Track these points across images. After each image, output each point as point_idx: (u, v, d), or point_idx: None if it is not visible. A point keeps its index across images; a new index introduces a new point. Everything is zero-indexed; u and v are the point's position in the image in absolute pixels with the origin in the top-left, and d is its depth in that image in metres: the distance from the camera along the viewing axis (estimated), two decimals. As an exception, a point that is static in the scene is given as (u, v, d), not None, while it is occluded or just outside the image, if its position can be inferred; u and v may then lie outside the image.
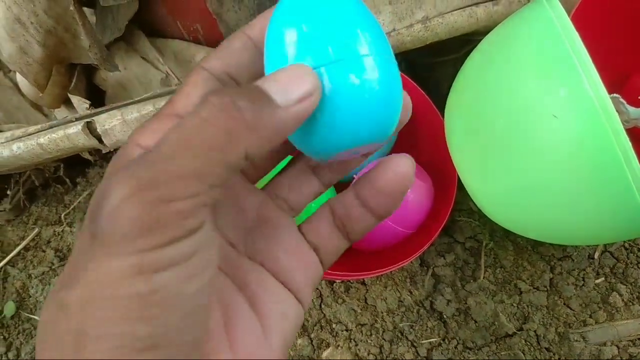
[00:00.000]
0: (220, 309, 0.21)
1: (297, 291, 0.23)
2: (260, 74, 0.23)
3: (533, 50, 0.40)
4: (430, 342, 0.53)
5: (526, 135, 0.40)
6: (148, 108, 0.52)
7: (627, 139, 0.36)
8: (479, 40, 0.49)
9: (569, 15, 0.50)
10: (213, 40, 0.60)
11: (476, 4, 0.53)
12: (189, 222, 0.16)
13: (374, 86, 0.19)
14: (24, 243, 0.65)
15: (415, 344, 0.53)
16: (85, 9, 0.54)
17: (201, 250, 0.17)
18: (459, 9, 0.53)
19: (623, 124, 0.55)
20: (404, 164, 0.22)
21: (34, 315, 0.60)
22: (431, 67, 0.67)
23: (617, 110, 0.54)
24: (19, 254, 0.65)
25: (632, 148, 0.36)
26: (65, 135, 0.53)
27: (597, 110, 0.36)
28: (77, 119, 0.54)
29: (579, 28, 0.39)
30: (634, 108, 0.54)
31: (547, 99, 0.38)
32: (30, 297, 0.61)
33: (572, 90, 0.37)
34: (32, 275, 0.62)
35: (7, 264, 0.64)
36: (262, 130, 0.18)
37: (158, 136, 0.18)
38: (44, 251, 0.64)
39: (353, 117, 0.20)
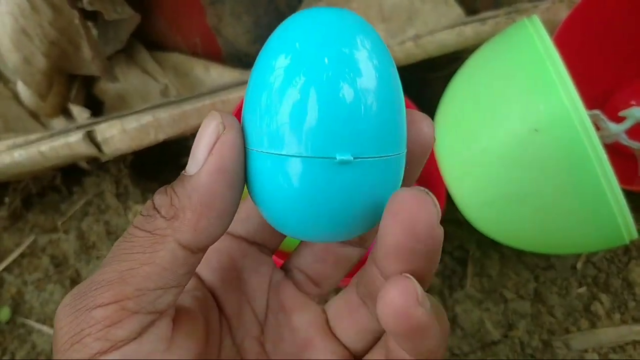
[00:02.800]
0: None
1: None
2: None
3: (515, 67, 0.42)
4: (418, 349, 0.54)
5: (509, 148, 0.42)
6: (147, 118, 0.53)
7: (604, 152, 0.38)
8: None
9: (552, 34, 0.52)
10: (212, 54, 0.62)
11: (465, 23, 0.56)
12: (113, 331, 0.15)
13: (366, 190, 0.17)
14: (19, 250, 0.66)
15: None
16: (88, 22, 0.56)
17: None
18: (448, 27, 0.56)
19: (604, 139, 0.58)
20: (399, 296, 0.15)
21: (28, 320, 0.60)
22: (425, 83, 0.69)
23: (598, 126, 0.56)
24: (14, 260, 0.65)
25: (608, 162, 0.38)
26: (65, 143, 0.54)
27: (575, 126, 0.38)
28: (77, 128, 0.55)
29: (562, 47, 0.41)
30: (614, 124, 0.57)
31: (528, 113, 0.40)
32: (25, 302, 0.62)
33: (551, 105, 0.39)
34: (28, 282, 0.63)
35: (2, 270, 0.65)
36: (183, 214, 0.16)
37: None
38: (39, 258, 0.65)
39: (330, 216, 0.17)
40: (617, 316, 0.54)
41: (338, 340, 0.22)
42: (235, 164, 0.17)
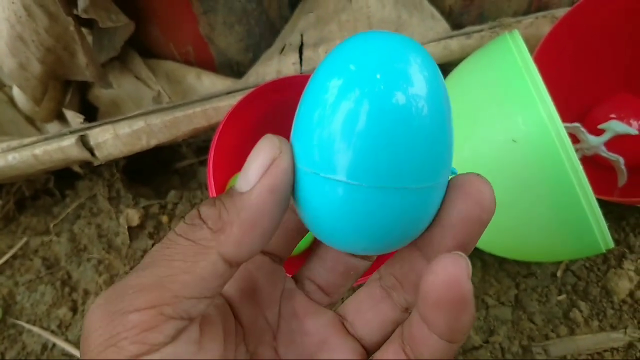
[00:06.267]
0: None
1: None
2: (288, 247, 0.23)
3: (496, 80, 0.43)
4: (401, 354, 0.55)
5: (489, 159, 0.43)
6: (140, 124, 0.55)
7: (580, 163, 0.39)
8: (452, 70, 0.53)
9: (535, 49, 0.54)
10: (204, 62, 0.64)
11: (450, 37, 0.58)
12: (150, 335, 0.16)
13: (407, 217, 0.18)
14: (12, 251, 0.67)
15: None
16: (83, 29, 0.57)
17: None
18: (434, 40, 0.57)
19: (584, 152, 0.59)
20: (452, 266, 0.16)
21: (19, 321, 0.61)
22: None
23: (578, 139, 0.58)
24: (6, 261, 0.66)
25: (584, 173, 0.39)
26: (59, 147, 0.55)
27: (551, 137, 0.39)
28: (71, 132, 0.56)
29: (544, 61, 0.42)
30: (593, 136, 0.58)
31: (507, 124, 0.41)
32: (16, 303, 0.63)
33: (529, 117, 0.40)
34: (19, 283, 0.64)
35: (-6, 271, 0.65)
36: (230, 229, 0.17)
37: None
38: (31, 260, 0.66)
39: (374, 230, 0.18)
40: (595, 323, 0.55)
41: (353, 337, 0.22)
42: (286, 186, 0.17)
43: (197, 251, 0.17)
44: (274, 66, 0.60)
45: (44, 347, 0.59)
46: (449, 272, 0.16)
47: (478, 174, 0.18)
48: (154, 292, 0.16)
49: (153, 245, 0.64)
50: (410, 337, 0.19)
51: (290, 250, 0.24)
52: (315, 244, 0.24)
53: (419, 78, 0.17)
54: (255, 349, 0.21)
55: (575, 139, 0.59)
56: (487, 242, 0.49)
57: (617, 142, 0.59)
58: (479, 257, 0.60)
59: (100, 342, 0.15)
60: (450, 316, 0.17)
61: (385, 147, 0.16)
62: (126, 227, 0.65)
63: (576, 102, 0.61)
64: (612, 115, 0.61)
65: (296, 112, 0.19)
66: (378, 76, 0.16)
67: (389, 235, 0.18)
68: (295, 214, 0.22)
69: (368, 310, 0.22)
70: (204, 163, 0.72)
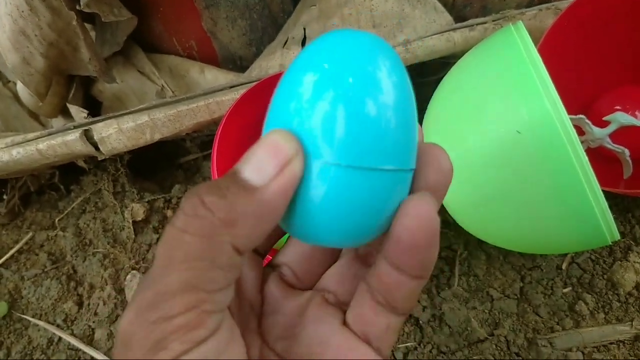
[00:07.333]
0: None
1: None
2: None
3: (500, 71, 0.43)
4: (406, 347, 0.55)
5: (493, 150, 0.43)
6: (143, 118, 0.55)
7: (585, 154, 0.39)
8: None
9: (539, 41, 0.54)
10: (207, 57, 0.64)
11: (454, 29, 0.57)
12: (197, 333, 0.16)
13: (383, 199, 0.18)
14: (17, 246, 0.67)
15: (392, 348, 0.55)
16: (86, 24, 0.57)
17: (222, 355, 0.17)
18: (437, 33, 0.57)
19: (589, 143, 0.59)
20: (421, 206, 0.18)
21: (25, 315, 0.61)
22: (415, 87, 0.70)
23: (583, 130, 0.58)
24: (12, 256, 0.67)
25: (589, 164, 0.39)
26: (63, 142, 0.55)
27: (556, 128, 0.39)
28: (75, 127, 0.56)
29: (548, 53, 0.42)
30: (598, 128, 0.58)
31: (511, 115, 0.41)
32: (22, 298, 0.63)
33: (533, 108, 0.40)
34: (25, 277, 0.64)
35: (0, 266, 0.66)
36: (243, 222, 0.17)
37: None
38: (36, 254, 0.67)
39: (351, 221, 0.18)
40: (601, 316, 0.55)
41: (334, 306, 0.23)
42: (295, 189, 0.18)
43: (212, 247, 0.16)
44: (277, 60, 0.60)
45: (50, 341, 0.59)
46: (421, 211, 0.18)
47: (433, 144, 0.20)
48: (188, 294, 0.16)
49: (158, 240, 0.64)
50: (381, 287, 0.20)
51: (272, 244, 0.25)
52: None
53: (386, 80, 0.18)
54: (244, 338, 0.22)
55: (580, 131, 0.59)
56: (492, 234, 0.49)
57: (623, 134, 0.58)
58: (483, 250, 0.60)
59: (147, 349, 0.16)
60: (424, 253, 0.18)
61: (357, 130, 0.17)
62: (131, 221, 0.66)
63: (580, 94, 0.61)
64: (617, 107, 0.60)
65: (270, 104, 0.19)
66: (350, 79, 0.17)
67: (358, 221, 0.18)
68: None
69: (346, 280, 0.23)
70: (208, 157, 0.72)
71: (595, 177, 0.39)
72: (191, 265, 0.16)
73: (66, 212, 0.70)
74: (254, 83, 0.52)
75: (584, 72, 0.60)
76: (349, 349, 0.21)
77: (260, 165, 0.17)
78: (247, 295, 0.23)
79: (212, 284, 0.16)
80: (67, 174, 0.72)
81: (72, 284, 0.63)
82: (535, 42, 0.43)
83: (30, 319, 0.61)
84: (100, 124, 0.56)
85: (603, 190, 0.39)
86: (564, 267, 0.58)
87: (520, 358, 0.53)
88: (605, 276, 0.57)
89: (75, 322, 0.60)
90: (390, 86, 0.18)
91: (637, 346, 0.53)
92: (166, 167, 0.73)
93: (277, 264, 0.25)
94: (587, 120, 0.57)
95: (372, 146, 0.17)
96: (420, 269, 0.19)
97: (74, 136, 0.55)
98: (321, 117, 0.17)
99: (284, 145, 0.17)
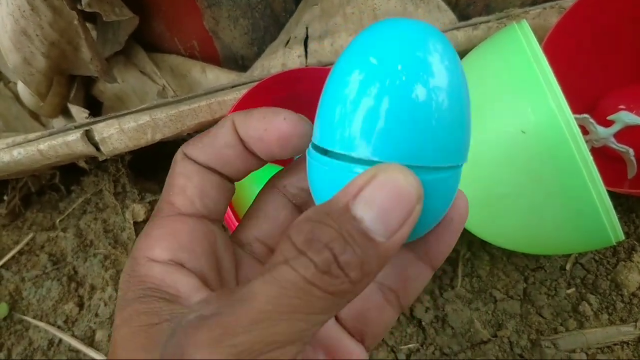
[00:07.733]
0: None
1: None
2: (242, 170, 0.22)
3: (504, 70, 0.43)
4: (409, 348, 0.55)
5: (497, 149, 0.42)
6: (145, 118, 0.54)
7: (590, 154, 0.38)
8: (458, 62, 0.52)
9: (542, 40, 0.53)
10: (208, 56, 0.63)
11: (457, 28, 0.57)
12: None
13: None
14: (18, 247, 0.67)
15: (395, 350, 0.55)
16: (87, 23, 0.57)
17: None
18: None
19: (593, 143, 0.59)
20: (465, 198, 0.20)
21: (25, 317, 0.61)
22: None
23: (587, 130, 0.57)
24: (13, 257, 0.66)
25: (594, 163, 0.38)
26: (64, 142, 0.55)
27: (561, 127, 0.39)
28: (76, 127, 0.56)
29: (552, 52, 0.41)
30: (602, 128, 0.57)
31: (516, 115, 0.41)
32: (23, 299, 0.63)
33: (538, 107, 0.40)
34: (26, 279, 0.64)
35: (1, 267, 0.65)
36: (368, 279, 0.16)
37: (167, 246, 0.18)
38: (37, 255, 0.66)
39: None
40: (605, 317, 0.54)
41: None
42: None
43: (335, 304, 0.15)
44: (279, 59, 0.59)
45: (51, 342, 0.59)
46: (465, 202, 0.21)
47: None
48: (290, 347, 0.15)
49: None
50: (402, 279, 0.21)
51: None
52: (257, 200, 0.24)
53: (439, 66, 0.18)
54: None
55: (584, 131, 0.59)
56: (495, 235, 0.49)
57: (627, 133, 0.58)
58: (486, 251, 0.59)
59: None
60: (454, 241, 0.21)
61: (407, 127, 0.17)
62: (132, 222, 0.65)
63: (584, 93, 0.60)
64: (622, 106, 0.60)
65: (321, 96, 0.19)
66: (399, 67, 0.17)
67: (423, 220, 0.18)
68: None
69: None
70: (209, 158, 0.71)
71: (600, 177, 0.39)
72: (307, 319, 0.15)
73: (67, 212, 0.70)
74: (256, 83, 0.51)
75: (588, 71, 0.60)
76: (339, 339, 0.21)
77: (386, 216, 0.15)
78: (227, 272, 0.22)
79: (310, 336, 0.16)
80: (67, 175, 0.72)
81: (73, 285, 0.63)
82: (539, 40, 0.43)
83: (31, 320, 0.61)
84: (101, 124, 0.56)
85: (607, 190, 0.39)
86: (567, 267, 0.57)
87: (524, 359, 0.53)
88: (609, 277, 0.56)
89: (76, 323, 0.60)
90: (444, 78, 0.18)
91: (641, 347, 0.52)
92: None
93: (246, 241, 0.23)
94: (592, 120, 0.56)
95: (433, 145, 0.17)
96: (443, 258, 0.21)
97: (75, 136, 0.55)
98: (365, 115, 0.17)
99: (409, 192, 0.15)
